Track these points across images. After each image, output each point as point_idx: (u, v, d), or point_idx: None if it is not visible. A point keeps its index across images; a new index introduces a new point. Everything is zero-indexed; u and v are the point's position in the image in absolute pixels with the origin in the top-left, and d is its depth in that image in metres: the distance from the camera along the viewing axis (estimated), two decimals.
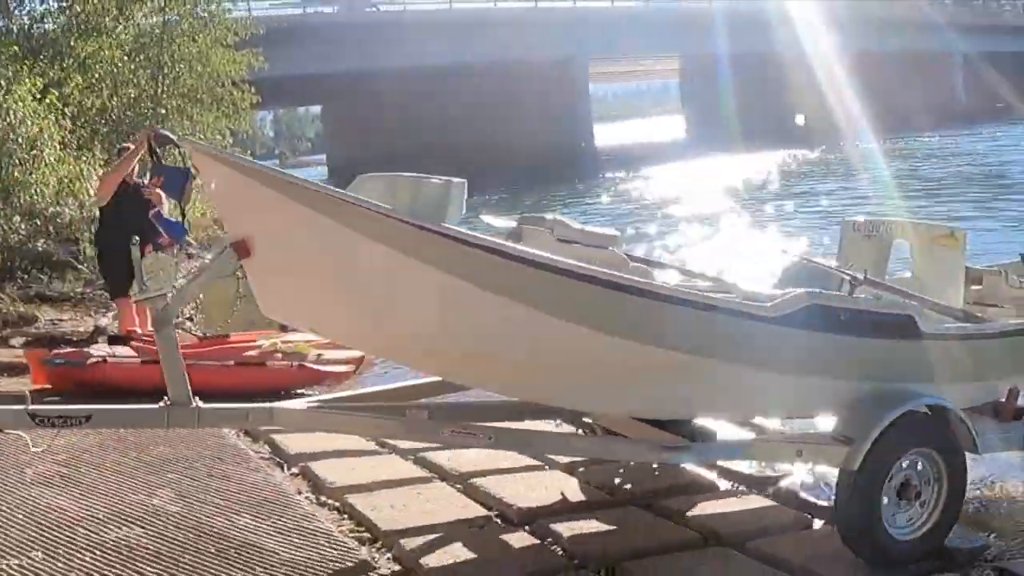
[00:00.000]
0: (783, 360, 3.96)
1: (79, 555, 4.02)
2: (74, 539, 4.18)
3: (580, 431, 5.11)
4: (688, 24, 48.77)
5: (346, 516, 4.71)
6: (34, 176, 13.01)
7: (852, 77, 38.74)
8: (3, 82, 13.28)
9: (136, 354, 7.54)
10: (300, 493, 5.03)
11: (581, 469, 5.18)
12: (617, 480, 5.06)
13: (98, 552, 4.05)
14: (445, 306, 3.68)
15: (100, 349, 7.65)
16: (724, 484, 5.08)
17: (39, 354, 7.59)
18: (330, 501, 4.90)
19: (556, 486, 4.97)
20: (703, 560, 4.13)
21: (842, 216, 7.87)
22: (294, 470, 5.43)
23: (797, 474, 5.19)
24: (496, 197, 26.24)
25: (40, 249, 13.69)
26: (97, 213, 9.68)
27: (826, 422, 4.32)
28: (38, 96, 13.75)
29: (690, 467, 5.13)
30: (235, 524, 4.42)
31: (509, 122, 44.20)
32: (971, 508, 4.76)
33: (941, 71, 58.15)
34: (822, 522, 4.56)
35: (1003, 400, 4.63)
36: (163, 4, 18.82)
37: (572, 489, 4.94)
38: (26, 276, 12.84)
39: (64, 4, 18.26)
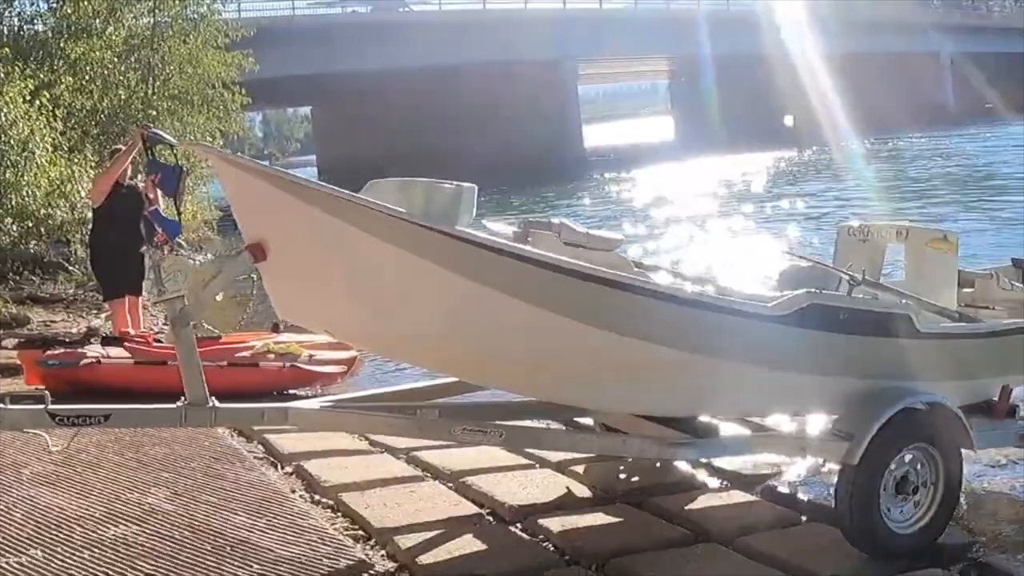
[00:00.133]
0: (785, 358, 4.06)
1: (77, 553, 4.05)
2: (71, 537, 4.21)
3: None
4: (677, 26, 48.77)
5: (340, 514, 4.75)
6: (25, 178, 12.98)
7: (840, 79, 38.95)
8: None
9: (130, 355, 7.58)
10: (294, 492, 5.07)
11: (572, 467, 5.23)
12: (613, 477, 5.12)
13: (95, 550, 4.08)
14: (460, 308, 3.76)
15: (94, 350, 7.66)
16: (713, 482, 5.15)
17: (33, 355, 7.60)
18: (324, 499, 4.95)
19: (547, 484, 5.04)
20: (692, 556, 4.19)
21: (832, 217, 7.96)
22: (288, 469, 5.47)
23: (784, 473, 5.28)
24: (484, 197, 26.06)
25: (32, 251, 13.72)
26: (90, 215, 9.72)
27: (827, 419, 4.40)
28: (29, 98, 13.71)
29: (681, 465, 5.21)
30: (230, 522, 4.45)
31: (498, 123, 44.14)
32: None
33: (929, 73, 58.24)
34: (807, 519, 4.63)
35: (996, 398, 4.72)
36: (154, 5, 18.82)
37: (563, 487, 5.00)
38: (18, 278, 12.88)
39: (54, 5, 18.24)
